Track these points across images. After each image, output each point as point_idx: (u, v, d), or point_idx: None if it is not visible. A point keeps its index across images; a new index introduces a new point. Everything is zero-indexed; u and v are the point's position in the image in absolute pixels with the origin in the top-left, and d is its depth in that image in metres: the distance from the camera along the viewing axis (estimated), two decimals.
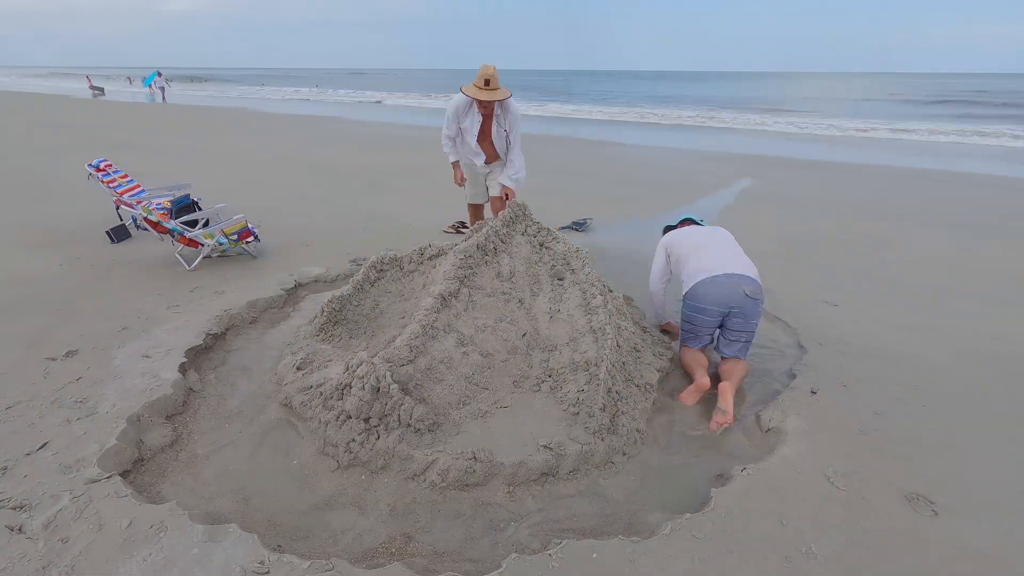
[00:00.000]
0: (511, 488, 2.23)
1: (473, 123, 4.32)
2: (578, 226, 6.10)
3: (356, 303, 3.30)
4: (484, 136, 4.39)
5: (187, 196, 5.15)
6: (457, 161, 4.64)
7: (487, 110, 4.24)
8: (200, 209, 5.01)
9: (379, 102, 31.87)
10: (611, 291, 3.41)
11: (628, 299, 3.88)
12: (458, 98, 4.28)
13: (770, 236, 5.89)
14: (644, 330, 3.42)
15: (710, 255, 3.09)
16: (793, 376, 3.09)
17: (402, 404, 2.39)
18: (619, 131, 18.10)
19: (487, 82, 4.04)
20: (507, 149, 4.46)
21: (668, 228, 3.68)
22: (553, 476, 2.31)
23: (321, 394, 2.54)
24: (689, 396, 2.89)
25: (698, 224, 3.57)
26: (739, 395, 2.95)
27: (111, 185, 5.12)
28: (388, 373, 2.43)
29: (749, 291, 2.90)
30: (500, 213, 3.69)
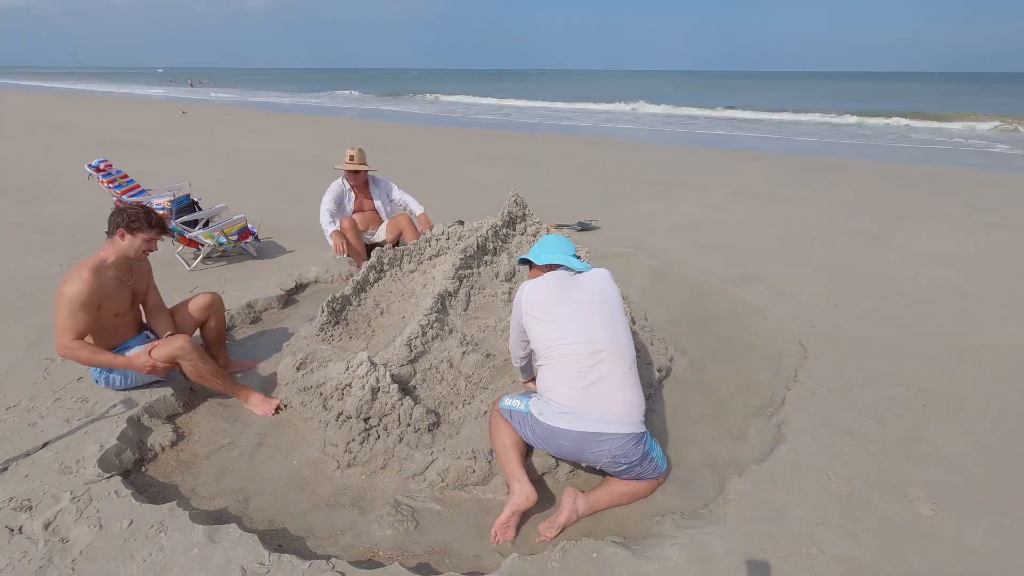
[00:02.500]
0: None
1: (350, 199, 4.61)
2: (583, 227, 6.09)
3: (356, 303, 3.30)
4: (360, 208, 4.68)
5: (187, 196, 5.15)
6: (337, 231, 4.26)
7: (357, 182, 4.58)
8: (200, 209, 5.01)
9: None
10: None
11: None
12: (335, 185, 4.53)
13: (769, 235, 5.90)
14: (644, 330, 3.42)
15: (568, 374, 2.06)
16: (793, 376, 3.09)
17: (402, 404, 2.39)
18: (626, 131, 18.10)
19: (352, 158, 4.48)
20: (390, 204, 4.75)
21: (525, 261, 2.48)
22: (553, 476, 2.31)
23: (321, 394, 2.54)
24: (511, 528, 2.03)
25: (567, 268, 2.30)
26: (737, 406, 2.95)
27: (111, 185, 5.12)
28: (388, 373, 2.43)
29: (616, 454, 2.02)
30: (500, 212, 3.69)
